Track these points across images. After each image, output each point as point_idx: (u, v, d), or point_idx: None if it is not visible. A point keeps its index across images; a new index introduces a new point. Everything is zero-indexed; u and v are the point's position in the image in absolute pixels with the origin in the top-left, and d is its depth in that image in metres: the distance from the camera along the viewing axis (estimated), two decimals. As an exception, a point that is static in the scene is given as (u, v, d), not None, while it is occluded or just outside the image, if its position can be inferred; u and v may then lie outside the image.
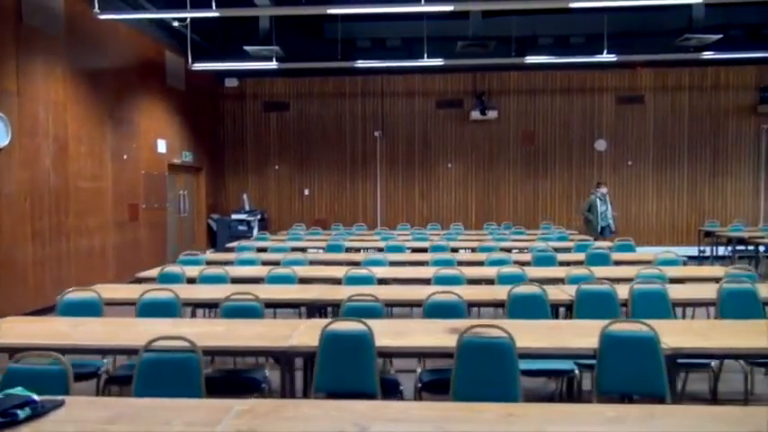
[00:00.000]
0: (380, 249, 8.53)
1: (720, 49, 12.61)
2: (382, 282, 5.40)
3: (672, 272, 5.67)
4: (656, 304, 4.53)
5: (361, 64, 11.29)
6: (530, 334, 3.42)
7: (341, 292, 4.52)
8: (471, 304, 4.56)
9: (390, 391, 3.45)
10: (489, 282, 5.50)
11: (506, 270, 5.58)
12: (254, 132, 14.49)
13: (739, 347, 3.29)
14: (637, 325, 3.19)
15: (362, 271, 5.45)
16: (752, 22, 12.70)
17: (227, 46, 12.39)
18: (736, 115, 13.72)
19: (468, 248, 9.20)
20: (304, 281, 5.48)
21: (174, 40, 11.66)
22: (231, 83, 14.31)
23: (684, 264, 6.91)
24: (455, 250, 8.71)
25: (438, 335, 3.42)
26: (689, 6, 11.02)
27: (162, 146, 11.47)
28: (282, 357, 3.28)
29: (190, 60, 10.85)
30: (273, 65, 11.15)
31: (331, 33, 12.92)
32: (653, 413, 2.28)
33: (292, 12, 10.02)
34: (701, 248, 12.60)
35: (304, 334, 3.46)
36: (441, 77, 14.09)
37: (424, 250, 8.42)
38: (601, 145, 13.93)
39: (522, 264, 6.76)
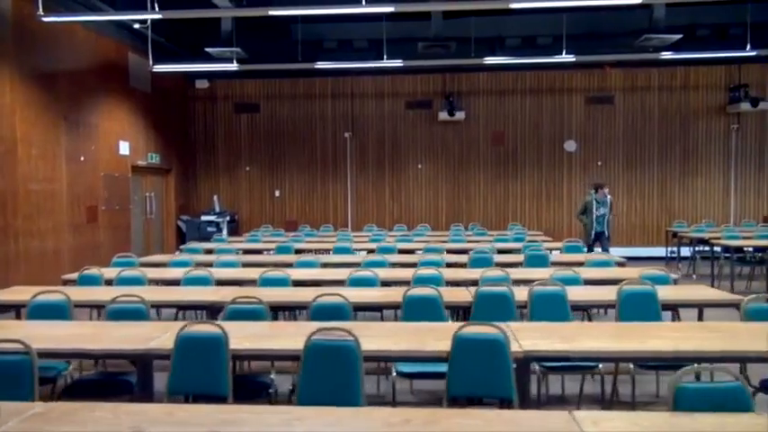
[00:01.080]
0: (327, 251, 8.54)
1: (688, 49, 12.60)
2: (298, 283, 5.40)
3: (591, 274, 5.67)
4: (553, 306, 4.53)
5: (321, 65, 11.30)
6: (391, 337, 3.42)
7: (240, 293, 4.53)
8: (359, 308, 4.53)
9: (255, 393, 3.46)
10: (406, 283, 5.50)
11: (424, 272, 5.58)
12: (225, 134, 14.51)
13: (600, 350, 3.28)
14: (488, 327, 3.19)
15: (278, 273, 5.45)
16: (719, 21, 12.67)
17: (193, 47, 12.42)
18: (705, 115, 13.68)
19: (421, 250, 9.20)
20: (221, 283, 5.48)
21: (138, 41, 11.68)
22: (202, 84, 14.34)
23: (621, 265, 6.91)
24: (410, 252, 8.72)
25: (299, 337, 3.42)
26: (652, 7, 11.00)
27: (125, 148, 11.49)
28: (139, 360, 3.28)
29: (151, 62, 10.88)
30: (234, 66, 11.17)
31: (298, 35, 12.95)
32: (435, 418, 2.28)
33: (240, 13, 10.01)
34: (672, 249, 12.56)
35: (173, 336, 3.47)
36: (410, 78, 14.09)
37: (410, 252, 8.52)
38: (570, 146, 13.90)
39: (460, 266, 6.80)
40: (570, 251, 8.46)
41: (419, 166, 14.20)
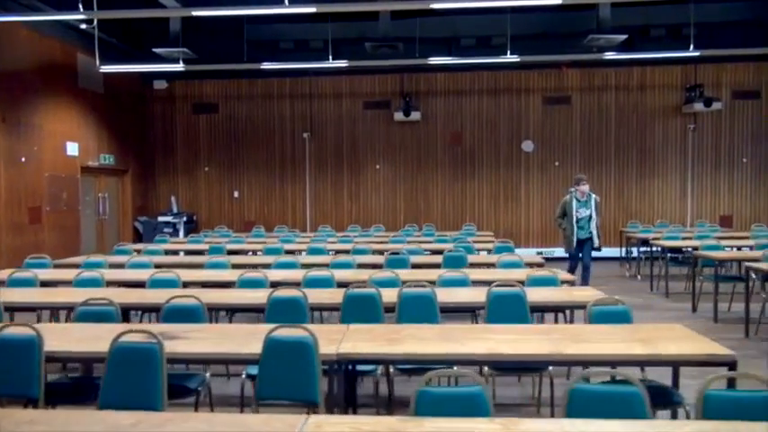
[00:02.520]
0: (257, 252, 8.54)
1: (643, 49, 12.62)
2: (186, 285, 5.39)
3: (477, 275, 5.66)
4: (420, 307, 4.52)
5: (267, 65, 11.29)
6: (211, 340, 3.41)
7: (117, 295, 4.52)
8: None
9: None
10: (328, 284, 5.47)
11: (345, 274, 5.57)
12: (183, 134, 14.50)
13: (416, 353, 3.26)
14: (298, 330, 3.18)
15: (169, 275, 5.44)
16: (673, 22, 12.68)
17: (148, 48, 12.41)
18: (662, 115, 13.67)
19: (370, 251, 9.18)
20: (111, 283, 5.48)
21: (87, 42, 11.65)
22: (160, 85, 14.33)
23: (540, 266, 6.90)
24: (346, 252, 8.70)
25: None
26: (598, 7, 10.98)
27: (73, 148, 11.48)
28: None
29: (98, 62, 10.87)
30: (181, 67, 11.16)
31: (253, 35, 12.97)
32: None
33: (178, 14, 9.99)
34: (629, 250, 12.54)
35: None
36: (368, 79, 14.08)
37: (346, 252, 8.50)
38: (528, 146, 13.89)
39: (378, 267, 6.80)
40: (500, 251, 8.46)
41: (377, 167, 14.19)
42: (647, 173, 13.73)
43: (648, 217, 13.57)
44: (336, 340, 3.31)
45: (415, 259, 7.31)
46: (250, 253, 9.16)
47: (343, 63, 11.04)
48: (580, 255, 8.84)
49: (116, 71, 11.98)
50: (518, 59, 10.78)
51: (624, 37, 10.66)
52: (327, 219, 14.13)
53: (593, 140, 13.79)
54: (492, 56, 11.34)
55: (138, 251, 8.30)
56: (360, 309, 4.45)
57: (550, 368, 3.77)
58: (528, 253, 13.56)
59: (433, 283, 5.42)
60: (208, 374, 3.80)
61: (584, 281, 8.61)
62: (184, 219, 13.76)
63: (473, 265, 7.05)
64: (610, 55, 10.83)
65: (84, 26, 11.04)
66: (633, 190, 13.78)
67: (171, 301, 4.11)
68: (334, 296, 4.70)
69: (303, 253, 8.40)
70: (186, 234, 13.18)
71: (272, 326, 3.20)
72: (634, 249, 11.73)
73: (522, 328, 3.81)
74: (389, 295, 4.57)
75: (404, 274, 5.79)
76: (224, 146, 14.42)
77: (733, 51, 11.95)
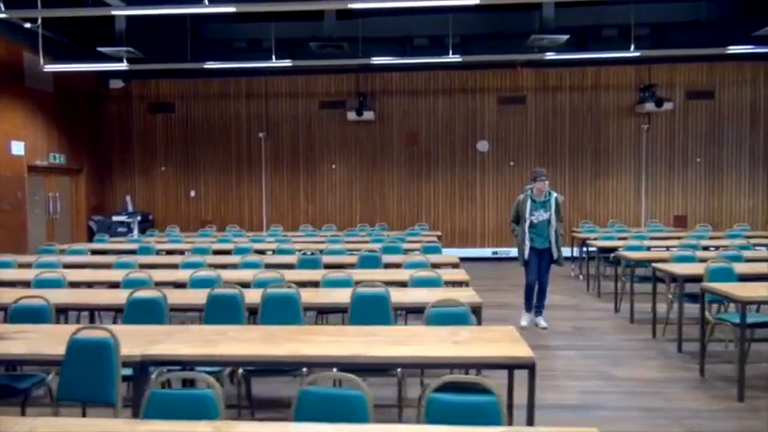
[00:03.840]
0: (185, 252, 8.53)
1: (596, 49, 12.60)
2: (75, 285, 5.39)
3: (365, 275, 5.66)
4: (286, 308, 4.52)
5: (210, 65, 11.26)
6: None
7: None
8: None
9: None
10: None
11: (262, 275, 5.57)
12: (140, 134, 14.48)
13: (221, 355, 3.25)
14: (100, 331, 3.17)
15: (55, 275, 5.44)
16: (625, 22, 12.64)
17: (94, 47, 12.39)
18: (616, 116, 13.67)
19: (299, 251, 9.19)
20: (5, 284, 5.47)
21: (34, 41, 11.63)
22: (116, 84, 14.31)
23: (455, 266, 6.90)
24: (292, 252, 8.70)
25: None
26: (552, 5, 10.97)
27: (18, 148, 11.45)
28: None
29: (42, 61, 10.85)
30: (124, 66, 11.14)
31: (210, 34, 12.94)
32: None
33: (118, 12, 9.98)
34: (583, 249, 12.54)
35: None
36: (324, 78, 14.07)
37: (262, 252, 8.51)
38: (483, 146, 13.89)
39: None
40: (427, 251, 8.46)
41: (333, 166, 14.18)
42: (602, 173, 13.73)
43: (603, 217, 13.57)
44: (157, 341, 3.32)
45: (330, 259, 7.31)
46: (188, 252, 9.15)
47: (287, 62, 11.04)
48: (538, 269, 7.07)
49: (63, 70, 11.96)
50: (460, 59, 10.78)
51: (566, 37, 10.64)
52: (284, 218, 14.13)
53: (547, 140, 13.80)
54: (436, 56, 11.32)
55: (63, 250, 8.29)
56: (280, 308, 4.47)
57: (399, 370, 3.75)
58: (483, 253, 13.70)
59: (317, 284, 5.45)
60: (50, 375, 3.79)
61: (539, 303, 7.20)
62: (138, 218, 13.75)
63: (387, 266, 7.05)
64: (551, 55, 10.81)
65: (28, 25, 11.02)
66: (588, 190, 13.78)
67: (19, 301, 4.10)
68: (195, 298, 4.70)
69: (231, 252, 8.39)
70: (141, 233, 13.17)
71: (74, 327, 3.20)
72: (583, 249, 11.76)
73: (353, 329, 3.81)
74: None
75: (312, 274, 5.86)
76: (180, 145, 14.41)
77: (685, 51, 11.92)
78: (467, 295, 4.77)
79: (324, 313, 5.36)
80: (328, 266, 7.00)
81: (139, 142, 14.47)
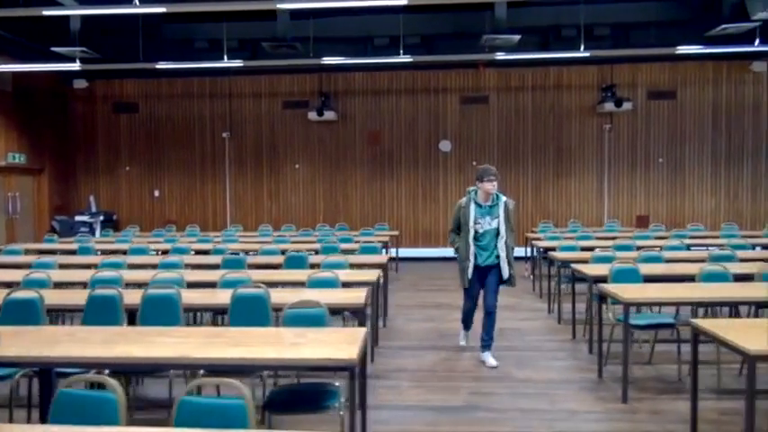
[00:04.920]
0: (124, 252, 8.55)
1: (557, 49, 12.56)
2: None
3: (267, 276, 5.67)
4: (162, 310, 4.53)
5: (162, 65, 11.26)
6: None
7: None
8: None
9: None
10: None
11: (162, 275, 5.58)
12: (104, 134, 14.50)
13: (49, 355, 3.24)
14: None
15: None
16: (585, 22, 12.61)
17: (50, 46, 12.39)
18: (578, 115, 13.65)
19: (253, 251, 9.19)
20: None
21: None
22: (80, 84, 14.32)
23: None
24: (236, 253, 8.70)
25: None
26: (504, 5, 10.95)
27: (-27, 148, 11.49)
28: None
29: (-5, 62, 10.88)
30: (77, 66, 11.15)
31: (171, 34, 12.94)
32: None
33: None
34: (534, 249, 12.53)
35: None
36: (287, 78, 14.07)
37: (206, 252, 8.55)
38: (446, 145, 13.87)
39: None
40: (366, 252, 8.48)
41: (296, 166, 14.18)
42: (564, 173, 13.71)
43: (566, 217, 13.54)
44: None
45: (257, 260, 7.31)
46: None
47: (238, 62, 11.04)
48: (481, 291, 5.73)
49: (20, 70, 11.97)
50: (411, 59, 10.78)
51: (518, 37, 10.62)
52: (248, 218, 14.14)
53: (510, 140, 13.78)
54: (390, 56, 11.30)
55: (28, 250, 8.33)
56: (160, 310, 4.48)
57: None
58: (445, 253, 13.65)
59: (213, 284, 5.45)
60: None
61: (487, 336, 5.68)
62: (101, 218, 13.76)
63: (312, 266, 7.04)
64: (500, 55, 10.79)
65: (-18, 25, 11.03)
66: (550, 190, 13.76)
67: None
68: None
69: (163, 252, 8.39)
70: (103, 232, 13.19)
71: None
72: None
73: (187, 330, 3.81)
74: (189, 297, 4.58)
75: (210, 274, 5.84)
76: (145, 145, 14.42)
77: (645, 51, 11.89)
78: (352, 296, 4.77)
79: (219, 314, 5.35)
80: (252, 267, 7.03)
81: (104, 142, 14.48)
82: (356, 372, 3.06)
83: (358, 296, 4.72)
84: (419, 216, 13.97)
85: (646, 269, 5.99)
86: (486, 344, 5.71)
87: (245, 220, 14.05)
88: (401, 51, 10.74)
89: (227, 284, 5.31)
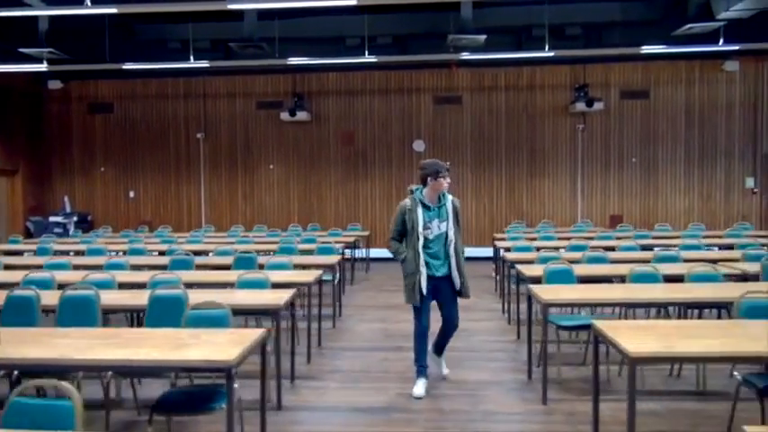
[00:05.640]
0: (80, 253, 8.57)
1: (529, 48, 12.55)
2: None
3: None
4: (81, 311, 4.53)
5: (129, 66, 11.27)
6: None
7: None
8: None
9: None
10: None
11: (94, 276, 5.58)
12: (79, 135, 14.50)
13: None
14: None
15: None
16: (556, 22, 12.60)
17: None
18: (551, 115, 13.63)
19: (211, 252, 9.19)
20: None
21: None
22: (55, 85, 14.32)
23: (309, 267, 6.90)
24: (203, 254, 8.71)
25: None
26: (470, 5, 10.94)
27: (-59, 149, 11.50)
28: None
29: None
30: (44, 67, 11.16)
31: (144, 35, 12.95)
32: None
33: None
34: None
35: None
36: (261, 79, 14.07)
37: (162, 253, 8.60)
38: (419, 146, 13.87)
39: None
40: (322, 252, 8.49)
41: (271, 167, 14.18)
42: (538, 173, 13.70)
43: (540, 217, 13.53)
44: None
45: (208, 260, 7.33)
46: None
47: (204, 63, 11.05)
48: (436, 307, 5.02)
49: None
50: (375, 59, 10.78)
51: (484, 37, 10.61)
52: (222, 218, 14.14)
53: (483, 140, 13.76)
54: (356, 56, 11.30)
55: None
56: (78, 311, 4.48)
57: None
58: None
59: (143, 285, 5.45)
60: None
61: (443, 341, 5.23)
62: (75, 219, 13.77)
63: (261, 267, 7.04)
64: (465, 55, 10.79)
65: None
66: (524, 190, 13.75)
67: None
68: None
69: (119, 252, 8.41)
70: (84, 233, 13.19)
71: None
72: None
73: (100, 332, 3.80)
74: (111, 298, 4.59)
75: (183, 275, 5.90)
76: (119, 146, 14.42)
77: (613, 51, 11.87)
78: (273, 297, 4.77)
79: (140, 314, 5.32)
80: (201, 267, 7.04)
81: (79, 143, 14.49)
82: (233, 373, 3.05)
83: (278, 297, 4.72)
84: (392, 216, 13.93)
85: (585, 270, 6.00)
86: (440, 348, 5.23)
87: (219, 220, 14.05)
88: (366, 52, 10.73)
89: (155, 285, 5.31)
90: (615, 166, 13.55)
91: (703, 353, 3.20)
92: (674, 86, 13.38)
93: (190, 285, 5.60)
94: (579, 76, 13.39)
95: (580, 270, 5.94)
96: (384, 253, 13.24)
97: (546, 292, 4.75)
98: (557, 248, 8.19)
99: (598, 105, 12.72)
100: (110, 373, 3.99)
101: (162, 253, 8.61)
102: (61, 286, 5.47)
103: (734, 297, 4.06)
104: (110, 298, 4.78)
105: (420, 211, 4.91)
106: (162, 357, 3.14)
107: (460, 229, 5.05)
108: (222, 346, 3.32)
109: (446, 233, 4.94)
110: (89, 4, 7.67)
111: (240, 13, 11.26)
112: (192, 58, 11.01)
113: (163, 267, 6.95)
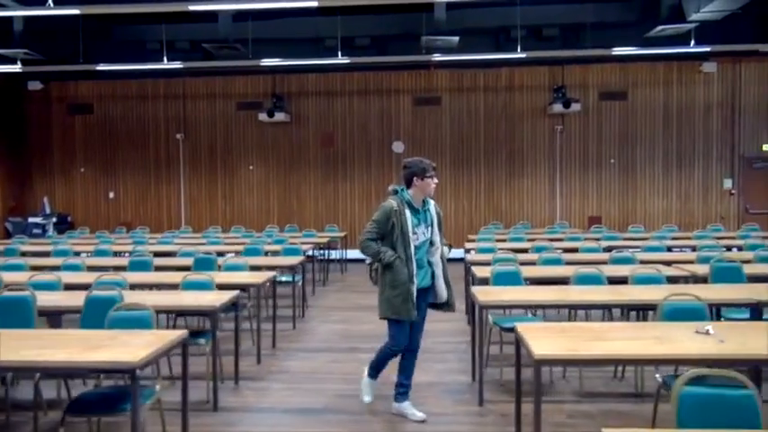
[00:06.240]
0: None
1: (506, 49, 12.56)
2: None
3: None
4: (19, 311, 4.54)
5: (102, 67, 11.29)
6: None
7: None
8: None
9: None
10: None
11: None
12: (59, 135, 14.52)
13: None
14: None
15: None
16: (533, 23, 12.61)
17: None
18: (530, 116, 13.64)
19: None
20: None
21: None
22: (34, 86, 14.33)
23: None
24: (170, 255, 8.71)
25: None
26: (443, 6, 10.94)
27: None
28: None
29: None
30: (18, 68, 11.18)
31: (122, 36, 12.95)
32: None
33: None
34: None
35: None
36: (241, 80, 14.09)
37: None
38: (398, 146, 13.88)
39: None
40: (287, 254, 8.50)
41: (251, 167, 14.20)
42: (517, 173, 13.70)
43: (519, 218, 13.54)
44: None
45: (168, 261, 7.34)
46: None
47: (178, 64, 11.07)
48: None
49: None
50: (348, 61, 10.81)
51: (457, 38, 10.64)
52: (202, 219, 14.15)
53: (462, 141, 13.77)
54: (328, 57, 11.32)
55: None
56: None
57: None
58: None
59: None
60: None
61: (406, 381, 4.54)
62: (54, 219, 13.79)
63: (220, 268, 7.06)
64: (444, 56, 10.81)
65: None
66: (502, 190, 13.76)
67: None
68: None
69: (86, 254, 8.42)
70: (60, 234, 13.20)
71: None
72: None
73: (22, 333, 3.81)
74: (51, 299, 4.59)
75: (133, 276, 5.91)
76: (99, 147, 14.44)
77: (589, 52, 11.85)
78: (212, 299, 4.78)
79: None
80: (159, 268, 7.05)
81: (59, 144, 14.51)
82: (137, 374, 3.06)
83: (216, 299, 4.72)
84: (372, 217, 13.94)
85: (536, 271, 6.02)
86: (405, 391, 4.51)
87: (199, 221, 14.06)
88: (339, 53, 10.75)
89: (99, 285, 5.32)
90: (594, 167, 13.56)
91: (604, 355, 3.21)
92: (652, 88, 13.39)
93: (137, 287, 5.65)
94: (558, 77, 13.40)
95: (532, 272, 5.97)
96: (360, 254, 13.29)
97: (484, 294, 4.77)
98: (525, 250, 8.19)
99: (575, 107, 12.73)
100: (37, 375, 4.00)
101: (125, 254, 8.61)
102: (6, 286, 5.51)
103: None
104: (50, 299, 4.80)
105: (408, 213, 4.38)
106: (67, 359, 3.15)
107: (443, 235, 4.60)
108: (134, 347, 3.33)
109: (431, 239, 4.48)
110: (51, 4, 7.68)
111: (215, 14, 11.30)
112: (165, 59, 11.02)
113: (122, 268, 6.97)
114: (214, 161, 14.25)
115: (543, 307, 5.09)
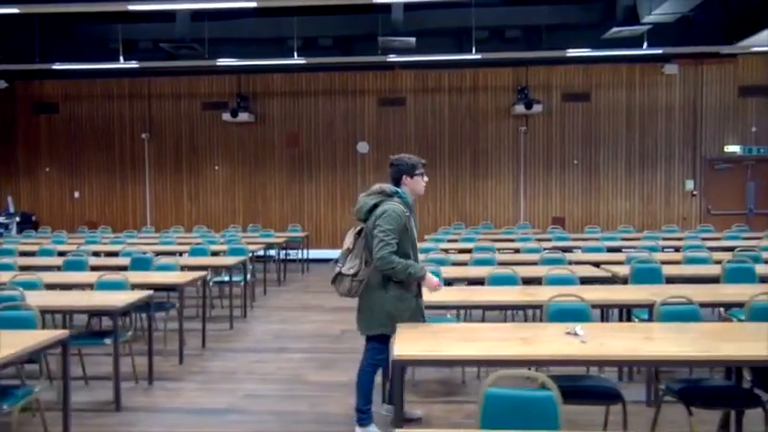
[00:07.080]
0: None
1: (468, 50, 12.58)
2: None
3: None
4: None
5: (59, 66, 11.26)
6: None
7: None
8: None
9: None
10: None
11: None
12: (24, 135, 14.47)
13: None
14: None
15: None
16: (498, 24, 12.65)
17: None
18: (494, 117, 13.67)
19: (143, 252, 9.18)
20: None
21: None
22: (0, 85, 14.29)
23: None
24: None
25: None
26: (401, 7, 10.96)
27: None
28: None
29: None
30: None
31: (85, 35, 12.92)
32: None
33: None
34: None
35: None
36: (206, 79, 14.07)
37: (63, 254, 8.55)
38: (363, 147, 13.89)
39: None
40: (233, 254, 8.50)
41: (216, 168, 14.18)
42: (481, 174, 13.74)
43: (483, 218, 13.57)
44: None
45: (106, 261, 7.32)
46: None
47: (134, 64, 11.05)
48: None
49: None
50: (305, 61, 10.81)
51: (414, 39, 10.67)
52: (167, 219, 14.12)
53: (427, 141, 13.78)
54: (282, 58, 11.33)
55: None
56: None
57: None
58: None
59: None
60: None
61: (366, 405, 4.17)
62: (17, 219, 13.74)
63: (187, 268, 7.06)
64: (393, 57, 10.82)
65: None
66: (467, 191, 13.78)
67: None
68: None
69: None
70: (19, 234, 13.15)
71: None
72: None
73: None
74: None
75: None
76: (65, 146, 14.39)
77: (552, 53, 11.89)
78: (120, 299, 4.78)
79: None
80: (96, 268, 7.04)
81: (23, 143, 14.46)
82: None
83: (123, 299, 4.72)
84: (337, 217, 13.98)
85: (460, 272, 6.04)
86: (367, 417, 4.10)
87: (164, 221, 14.04)
88: (295, 54, 10.76)
89: (12, 285, 5.31)
90: (557, 168, 13.60)
91: (461, 356, 3.23)
92: (614, 89, 13.45)
93: (54, 286, 5.64)
94: (521, 78, 13.44)
95: (454, 272, 6.00)
96: (323, 254, 13.26)
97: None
98: (470, 251, 8.21)
99: (537, 108, 12.77)
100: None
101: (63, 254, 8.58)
102: None
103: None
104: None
105: (412, 218, 4.05)
106: None
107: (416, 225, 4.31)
108: (7, 347, 3.33)
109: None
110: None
111: (174, 14, 11.28)
112: (122, 58, 11.00)
113: (57, 268, 6.96)
114: (179, 161, 14.23)
115: (447, 308, 5.10)
